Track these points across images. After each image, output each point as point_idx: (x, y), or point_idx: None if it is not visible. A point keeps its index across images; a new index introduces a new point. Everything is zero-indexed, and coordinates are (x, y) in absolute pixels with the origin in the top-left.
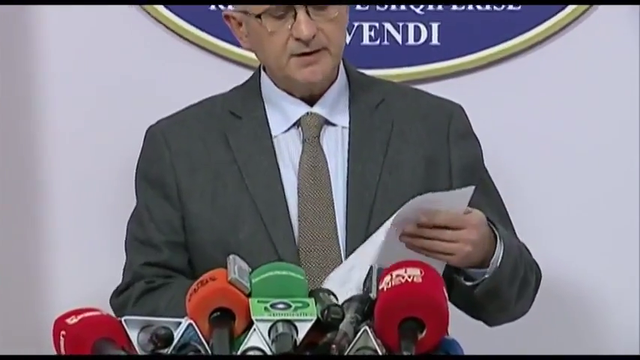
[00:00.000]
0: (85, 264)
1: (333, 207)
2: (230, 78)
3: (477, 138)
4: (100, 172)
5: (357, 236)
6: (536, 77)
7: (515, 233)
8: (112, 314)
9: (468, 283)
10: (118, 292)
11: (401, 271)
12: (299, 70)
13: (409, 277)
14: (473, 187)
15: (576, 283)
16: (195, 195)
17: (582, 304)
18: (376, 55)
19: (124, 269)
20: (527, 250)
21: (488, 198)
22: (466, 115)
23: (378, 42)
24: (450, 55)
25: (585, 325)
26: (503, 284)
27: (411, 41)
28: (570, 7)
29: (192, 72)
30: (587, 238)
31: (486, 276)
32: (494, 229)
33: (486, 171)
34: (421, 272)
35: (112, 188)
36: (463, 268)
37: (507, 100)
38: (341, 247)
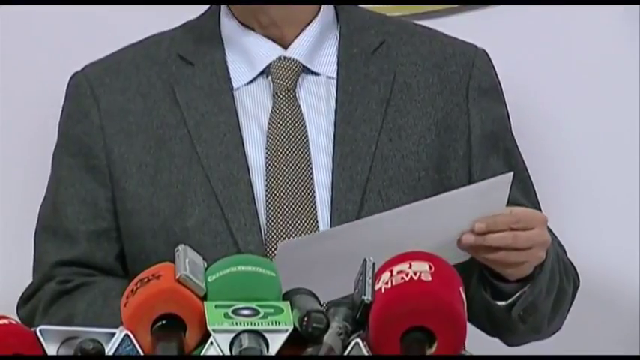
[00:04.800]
0: None
1: (314, 184)
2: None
3: (502, 94)
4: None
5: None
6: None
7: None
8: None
9: (500, 303)
10: (25, 299)
11: (404, 266)
12: None
13: (415, 273)
14: (511, 174)
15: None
16: (132, 168)
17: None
18: None
19: (34, 268)
20: (562, 246)
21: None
22: (492, 63)
23: None
24: None
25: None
26: (540, 297)
27: None
28: None
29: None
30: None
31: (524, 290)
32: None
33: (513, 138)
34: (431, 267)
35: (24, 159)
36: (511, 279)
37: (531, 44)
38: None
